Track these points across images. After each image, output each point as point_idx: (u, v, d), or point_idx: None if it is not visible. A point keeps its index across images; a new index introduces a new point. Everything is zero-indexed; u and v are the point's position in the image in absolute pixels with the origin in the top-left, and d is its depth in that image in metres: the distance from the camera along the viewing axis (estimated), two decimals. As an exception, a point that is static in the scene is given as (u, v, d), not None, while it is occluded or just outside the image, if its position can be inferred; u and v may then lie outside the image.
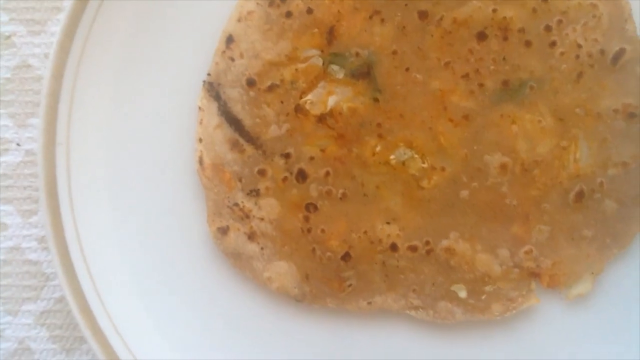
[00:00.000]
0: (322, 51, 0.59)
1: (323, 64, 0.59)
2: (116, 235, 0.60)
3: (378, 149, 0.59)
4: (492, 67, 0.58)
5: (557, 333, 0.59)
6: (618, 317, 0.59)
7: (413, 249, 0.59)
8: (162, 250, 0.60)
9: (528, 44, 0.58)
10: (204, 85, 0.59)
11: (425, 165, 0.58)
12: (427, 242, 0.59)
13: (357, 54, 0.58)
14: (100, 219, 0.59)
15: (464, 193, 0.58)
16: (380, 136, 0.59)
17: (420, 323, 0.59)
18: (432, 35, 0.58)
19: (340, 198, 0.59)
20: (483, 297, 0.59)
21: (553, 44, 0.58)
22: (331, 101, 0.59)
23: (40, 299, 0.63)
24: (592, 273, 0.59)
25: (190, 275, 0.60)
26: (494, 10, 0.57)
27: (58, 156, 0.57)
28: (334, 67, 0.59)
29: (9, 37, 0.66)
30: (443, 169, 0.58)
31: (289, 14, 0.59)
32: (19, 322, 0.63)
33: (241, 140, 0.59)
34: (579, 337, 0.59)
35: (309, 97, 0.59)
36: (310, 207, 0.59)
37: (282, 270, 0.59)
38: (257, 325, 0.60)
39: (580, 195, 0.58)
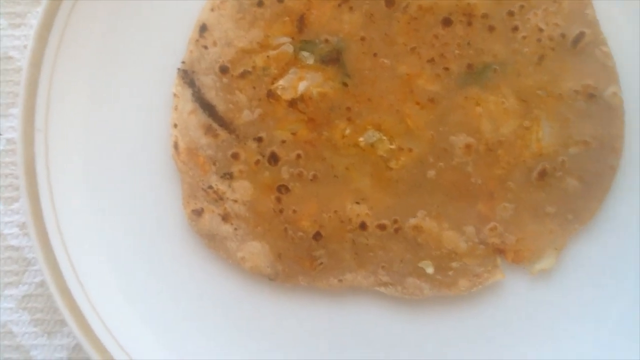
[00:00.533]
0: (292, 38, 0.60)
1: (294, 50, 0.61)
2: (94, 218, 0.61)
3: (347, 131, 0.61)
4: (457, 52, 0.60)
5: (522, 307, 0.61)
6: (580, 290, 0.61)
7: (382, 227, 0.61)
8: (139, 233, 0.62)
9: (491, 29, 0.60)
10: (178, 72, 0.61)
11: (393, 147, 0.60)
12: (396, 221, 0.61)
13: (327, 41, 0.60)
14: (78, 204, 0.61)
15: (431, 173, 0.60)
16: (349, 119, 0.60)
17: (390, 299, 0.61)
18: (398, 22, 0.60)
19: (311, 180, 0.61)
20: (450, 273, 0.61)
21: (515, 29, 0.60)
22: (302, 86, 0.61)
23: (21, 283, 0.65)
24: (555, 248, 0.61)
25: (166, 257, 0.62)
26: (459, -3, 0.60)
27: (37, 142, 0.59)
28: (305, 54, 0.61)
29: (-11, 29, 0.67)
30: (410, 150, 0.60)
31: (260, 3, 0.60)
32: (1, 306, 0.64)
33: (215, 125, 0.61)
34: (543, 310, 0.61)
35: (280, 82, 0.61)
36: (282, 188, 0.61)
37: (255, 250, 0.61)
38: (231, 303, 0.62)
39: (543, 174, 0.60)
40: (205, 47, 0.61)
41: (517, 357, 0.61)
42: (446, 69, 0.60)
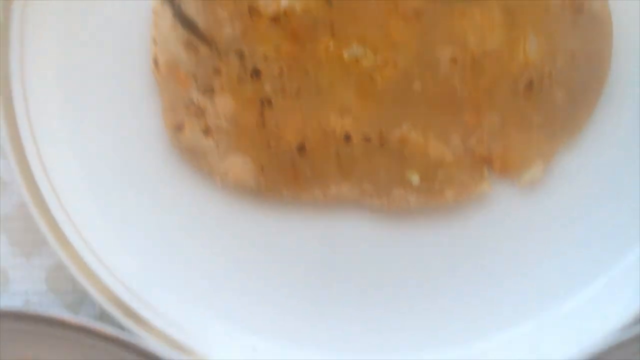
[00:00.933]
0: (274, -47, 0.59)
1: (276, -34, 0.60)
2: (72, 135, 0.60)
3: (331, 46, 0.59)
4: (442, -34, 0.59)
5: (509, 220, 0.60)
6: (568, 203, 0.60)
7: (367, 139, 0.59)
8: (118, 150, 0.60)
9: (475, -57, 0.59)
10: (157, -12, 0.60)
11: (377, 61, 0.59)
12: (381, 133, 0.59)
13: (310, -44, 0.59)
14: (56, 120, 0.59)
15: (416, 85, 0.59)
16: (333, 34, 0.59)
17: (376, 213, 0.60)
18: (381, -63, 0.59)
19: (295, 94, 0.59)
20: (436, 183, 0.59)
21: (501, -59, 0.59)
22: (284, 2, 0.59)
23: (-2, 205, 0.64)
24: (543, 160, 0.60)
25: (146, 174, 0.60)
26: None
27: (12, 57, 0.57)
28: (287, -30, 0.60)
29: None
30: (395, 64, 0.59)
31: None
32: (-23, 229, 0.63)
33: (195, 41, 0.60)
34: (530, 223, 0.60)
35: (262, -2, 0.60)
36: (265, 102, 0.59)
37: (238, 164, 0.60)
38: (213, 219, 0.60)
39: (529, 85, 0.59)
40: (185, -37, 0.59)
41: (505, 269, 0.60)
42: (431, -18, 0.59)
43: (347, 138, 0.59)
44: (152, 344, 0.56)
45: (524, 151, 0.60)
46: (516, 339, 0.58)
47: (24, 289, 0.62)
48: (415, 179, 0.59)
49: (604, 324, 0.56)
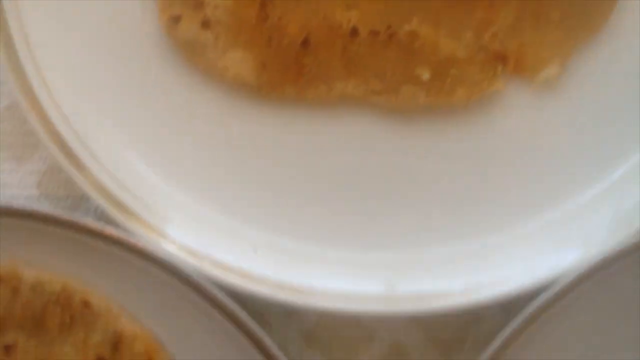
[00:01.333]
0: None
1: None
2: (65, 31, 0.57)
3: (336, -59, 0.55)
4: None
5: (524, 121, 0.57)
6: (586, 104, 0.57)
7: (374, 33, 0.56)
8: (112, 44, 0.57)
9: None
10: None
11: (386, -50, 0.56)
12: (389, 27, 0.56)
13: None
14: (48, 15, 0.56)
15: (427, -23, 0.56)
16: None
17: (383, 112, 0.57)
18: None
19: (298, -13, 0.56)
20: (447, 81, 0.56)
21: None
22: None
23: (-13, 109, 0.60)
24: (560, 58, 0.56)
25: (143, 70, 0.57)
26: None
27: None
28: None
29: None
30: (405, -43, 0.56)
31: None
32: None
33: None
34: (545, 125, 0.57)
35: None
36: (267, -6, 0.56)
37: (238, 59, 0.56)
38: (213, 114, 0.57)
39: (547, -22, 0.56)
40: None
41: (515, 167, 0.57)
42: None
43: (354, 32, 0.56)
44: (149, 240, 0.54)
45: (540, 49, 0.56)
46: (523, 236, 0.56)
47: (16, 194, 0.60)
48: (425, 74, 0.56)
49: (612, 222, 0.55)
